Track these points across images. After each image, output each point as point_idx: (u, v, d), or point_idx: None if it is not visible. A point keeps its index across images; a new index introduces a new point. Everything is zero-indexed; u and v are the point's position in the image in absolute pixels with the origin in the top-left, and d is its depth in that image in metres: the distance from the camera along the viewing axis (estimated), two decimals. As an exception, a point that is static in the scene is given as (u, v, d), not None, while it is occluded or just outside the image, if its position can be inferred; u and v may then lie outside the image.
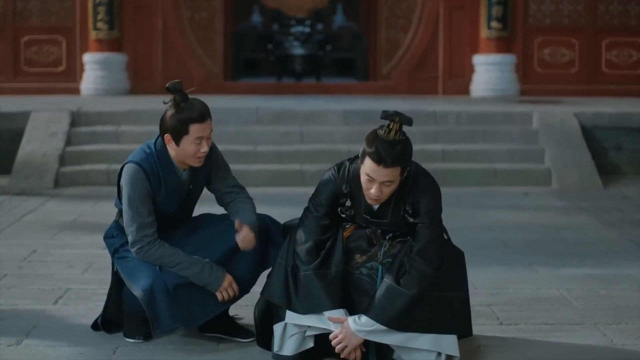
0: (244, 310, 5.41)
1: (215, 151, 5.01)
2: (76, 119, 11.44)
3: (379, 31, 15.23)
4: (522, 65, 14.63)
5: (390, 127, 4.40)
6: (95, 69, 14.35)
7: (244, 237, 4.88)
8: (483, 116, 11.80)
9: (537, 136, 11.43)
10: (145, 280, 4.80)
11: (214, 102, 12.69)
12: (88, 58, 14.39)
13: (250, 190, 9.47)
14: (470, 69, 14.69)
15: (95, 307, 5.59)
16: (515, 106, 12.48)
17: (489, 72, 14.44)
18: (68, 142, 11.07)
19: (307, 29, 18.29)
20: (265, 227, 5.01)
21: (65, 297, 5.94)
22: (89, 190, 10.23)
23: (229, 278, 4.88)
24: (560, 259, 7.17)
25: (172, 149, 4.83)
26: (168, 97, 4.81)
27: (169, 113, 4.78)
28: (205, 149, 4.80)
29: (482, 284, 6.30)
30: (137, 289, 4.80)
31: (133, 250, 4.84)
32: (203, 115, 4.78)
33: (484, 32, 14.52)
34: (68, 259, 6.96)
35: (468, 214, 8.79)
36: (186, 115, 4.75)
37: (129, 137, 11.09)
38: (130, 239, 4.85)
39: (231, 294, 4.89)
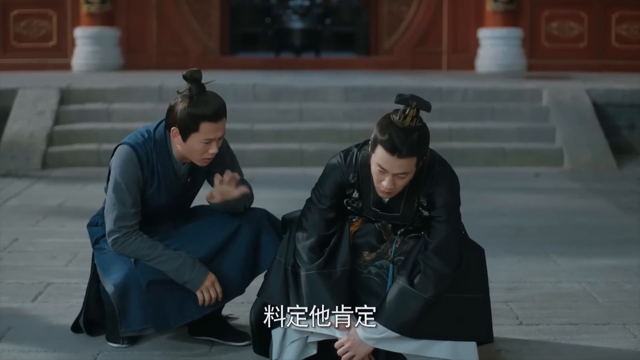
0: (239, 308, 4.94)
1: (223, 148, 4.50)
2: (65, 97, 11.03)
3: (380, 4, 14.96)
4: (529, 39, 14.39)
5: (406, 112, 3.90)
6: (87, 44, 14.11)
7: (221, 181, 4.34)
8: (491, 93, 11.43)
9: (548, 114, 11.04)
10: (117, 275, 4.34)
11: (209, 78, 12.42)
12: (79, 33, 14.14)
13: (248, 171, 8.98)
14: (476, 44, 14.46)
15: (77, 305, 5.10)
16: (524, 82, 12.09)
17: (494, 46, 14.21)
18: (56, 121, 10.64)
19: (306, 2, 18.16)
20: (258, 224, 4.51)
21: (45, 293, 5.48)
22: (77, 172, 9.77)
23: (211, 277, 4.40)
24: (579, 247, 6.73)
25: (177, 143, 4.34)
26: (183, 87, 4.30)
27: (181, 105, 4.27)
28: (214, 150, 4.31)
29: (498, 277, 5.82)
30: (108, 284, 4.35)
31: (109, 240, 4.39)
32: (218, 114, 4.27)
33: (489, 5, 14.25)
34: (51, 249, 6.51)
35: (477, 197, 8.32)
36: (199, 112, 4.24)
37: (120, 115, 10.70)
38: (107, 227, 4.40)
39: (213, 295, 4.40)
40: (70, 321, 4.83)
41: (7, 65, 13.77)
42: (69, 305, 5.22)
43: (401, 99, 3.90)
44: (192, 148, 4.30)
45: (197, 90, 4.25)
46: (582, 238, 7.05)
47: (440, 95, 11.20)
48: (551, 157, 10.45)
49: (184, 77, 4.25)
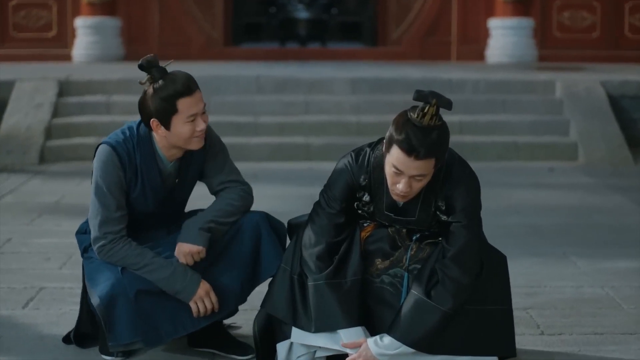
0: (242, 316, 4.61)
1: (211, 137, 4.20)
2: (64, 89, 10.73)
3: (388, -7, 14.66)
4: (540, 29, 14.13)
5: (425, 110, 3.59)
6: (87, 34, 13.87)
7: (177, 250, 4.12)
8: (502, 84, 11.14)
9: (562, 106, 10.75)
10: (103, 285, 4.03)
11: (212, 69, 12.38)
12: (80, 22, 13.88)
13: (251, 166, 8.67)
14: (486, 34, 14.20)
15: (69, 313, 4.83)
16: (537, 74, 11.78)
17: (505, 36, 13.96)
18: (55, 113, 10.33)
19: (312, -9, 17.67)
20: (258, 228, 4.19)
21: (37, 299, 5.17)
22: (76, 166, 9.46)
23: (205, 286, 4.09)
24: (599, 248, 6.43)
25: (162, 135, 4.04)
26: (143, 78, 4.01)
27: (149, 94, 3.98)
28: (202, 126, 4.01)
29: (516, 280, 5.44)
30: (94, 296, 4.04)
31: (94, 248, 4.09)
32: (189, 87, 3.99)
33: (500, -6, 13.94)
34: (45, 250, 6.21)
35: (490, 193, 7.99)
36: (170, 91, 3.96)
37: (120, 108, 10.40)
38: (92, 234, 4.10)
39: (208, 306, 4.08)
40: (62, 330, 4.56)
41: (6, 56, 13.51)
42: (62, 313, 4.92)
43: (420, 95, 3.59)
44: (179, 133, 4.01)
45: (159, 74, 3.97)
46: (602, 238, 6.74)
47: (451, 86, 10.89)
48: (565, 151, 10.16)
49: (140, 66, 3.99)
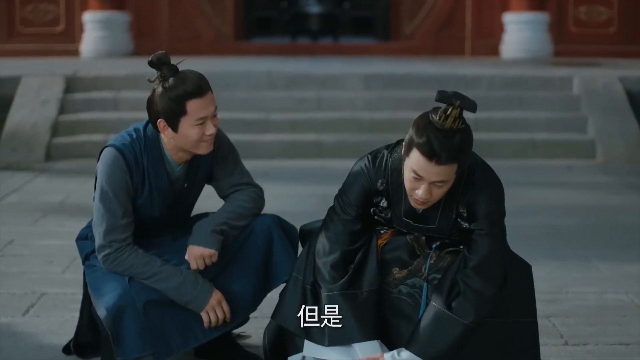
0: (252, 324, 4.38)
1: (221, 139, 3.98)
2: (71, 85, 10.56)
3: (401, -13, 14.51)
4: (556, 24, 13.95)
5: (448, 112, 3.36)
6: (96, 29, 13.73)
7: (188, 253, 3.92)
8: (519, 80, 10.95)
9: (579, 103, 10.54)
10: (110, 296, 3.78)
11: (222, 64, 12.18)
12: (88, 17, 13.75)
13: (261, 164, 8.45)
14: (500, 28, 14.01)
15: (71, 320, 4.63)
16: (553, 69, 11.58)
17: (520, 31, 13.77)
18: (61, 110, 10.15)
19: (324, -15, 17.49)
20: (270, 232, 3.98)
21: (38, 306, 4.98)
22: (82, 164, 9.26)
23: (217, 295, 3.87)
24: (621, 251, 6.21)
25: (169, 137, 3.82)
26: (153, 75, 3.79)
27: (158, 92, 3.76)
28: (211, 130, 3.78)
29: (537, 286, 5.07)
30: (100, 308, 3.79)
31: (99, 257, 3.86)
32: (201, 87, 3.76)
33: (515, -11, 13.76)
34: (48, 252, 6.02)
35: (508, 193, 7.55)
36: (180, 91, 3.73)
37: (129, 105, 10.20)
38: (96, 242, 3.87)
39: (220, 315, 3.87)
40: (62, 339, 4.36)
41: (13, 51, 13.40)
42: (63, 320, 4.73)
43: (443, 96, 3.36)
44: (186, 136, 3.78)
45: (170, 72, 3.75)
46: (624, 240, 6.53)
47: (466, 83, 10.70)
48: (583, 148, 9.96)
49: (150, 63, 3.76)
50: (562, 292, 5.29)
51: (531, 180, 8.72)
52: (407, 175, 3.45)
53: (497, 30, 13.96)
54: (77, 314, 4.29)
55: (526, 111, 10.44)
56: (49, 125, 9.81)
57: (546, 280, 5.43)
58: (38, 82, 10.36)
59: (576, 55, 13.54)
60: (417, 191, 3.44)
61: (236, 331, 4.34)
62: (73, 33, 13.80)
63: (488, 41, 13.97)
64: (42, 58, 13.03)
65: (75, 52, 13.61)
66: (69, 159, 9.52)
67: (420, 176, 3.40)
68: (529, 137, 10.02)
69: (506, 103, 10.51)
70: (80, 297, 4.30)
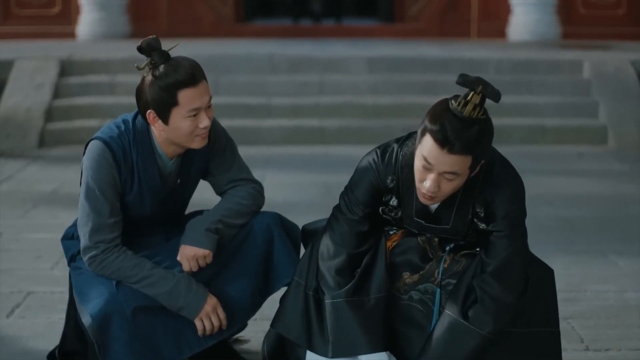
0: (250, 327, 4.14)
1: (217, 131, 3.68)
2: (66, 68, 10.24)
3: (405, -33, 14.19)
4: (564, 5, 13.50)
5: (469, 98, 3.06)
6: (92, 11, 13.31)
7: (180, 254, 3.63)
8: (527, 64, 10.60)
9: (590, 87, 10.21)
10: (96, 302, 3.49)
11: (223, 47, 11.88)
12: (85, -2, 13.38)
13: (263, 150, 8.11)
14: (507, 10, 13.60)
15: (58, 322, 4.35)
16: (562, 53, 11.23)
17: (528, 13, 13.33)
18: (56, 94, 9.83)
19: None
20: (270, 231, 3.69)
21: (24, 306, 4.71)
22: (76, 151, 8.91)
23: (212, 300, 3.59)
24: (639, 245, 5.89)
25: (159, 129, 3.52)
26: (142, 62, 3.48)
27: (147, 81, 3.46)
28: (205, 123, 3.48)
29: None
30: (85, 314, 3.50)
31: (85, 258, 3.57)
32: (194, 76, 3.46)
33: (522, -31, 13.40)
34: (37, 247, 5.75)
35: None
36: (171, 79, 3.43)
37: (125, 89, 9.84)
38: (82, 243, 3.58)
39: (215, 323, 3.58)
40: (48, 343, 4.12)
41: (8, 33, 13.05)
42: (49, 322, 4.46)
43: (465, 80, 3.06)
44: (178, 128, 3.48)
45: (161, 59, 3.44)
46: (640, 232, 6.25)
47: (472, 66, 10.32)
48: (594, 134, 9.66)
49: (139, 49, 3.46)
50: (580, 290, 5.01)
51: (541, 167, 8.43)
52: (417, 164, 3.14)
53: (503, 12, 13.60)
54: (63, 317, 4.02)
55: (535, 95, 10.14)
56: (43, 110, 9.50)
57: (563, 277, 5.14)
58: (32, 66, 10.05)
59: (585, 37, 13.20)
60: (424, 182, 3.13)
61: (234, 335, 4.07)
62: (69, 15, 13.42)
63: (494, 23, 13.61)
64: (38, 40, 12.72)
65: (71, 35, 13.25)
66: (63, 145, 9.22)
67: (430, 164, 3.08)
68: (538, 122, 9.72)
69: (514, 87, 10.19)
70: (67, 297, 4.02)
